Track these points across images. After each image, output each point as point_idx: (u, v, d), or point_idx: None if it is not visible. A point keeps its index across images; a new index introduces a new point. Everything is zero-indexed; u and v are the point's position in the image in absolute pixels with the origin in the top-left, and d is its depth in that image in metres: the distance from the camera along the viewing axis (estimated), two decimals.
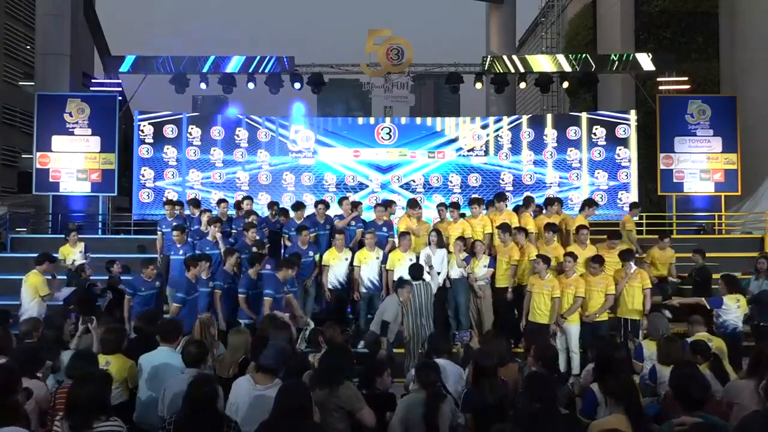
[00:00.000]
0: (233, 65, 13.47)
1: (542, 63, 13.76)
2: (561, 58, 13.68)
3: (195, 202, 9.72)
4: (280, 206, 9.72)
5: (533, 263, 7.41)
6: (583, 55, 13.69)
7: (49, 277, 7.60)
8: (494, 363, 4.15)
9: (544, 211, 8.94)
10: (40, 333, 5.22)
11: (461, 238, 7.96)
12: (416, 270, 6.90)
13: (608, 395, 3.62)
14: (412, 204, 8.82)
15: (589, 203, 8.97)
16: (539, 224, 8.48)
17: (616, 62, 13.41)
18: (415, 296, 6.64)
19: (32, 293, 7.36)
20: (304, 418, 3.14)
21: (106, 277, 8.47)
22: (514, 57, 13.99)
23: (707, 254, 9.30)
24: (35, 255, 7.82)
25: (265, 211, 9.69)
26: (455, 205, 8.76)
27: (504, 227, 8.00)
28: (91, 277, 8.34)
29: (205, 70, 13.49)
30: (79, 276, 8.24)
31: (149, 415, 4.23)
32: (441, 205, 8.99)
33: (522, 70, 13.57)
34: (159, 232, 9.16)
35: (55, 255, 7.91)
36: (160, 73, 13.48)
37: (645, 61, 13.30)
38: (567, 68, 13.46)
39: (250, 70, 13.49)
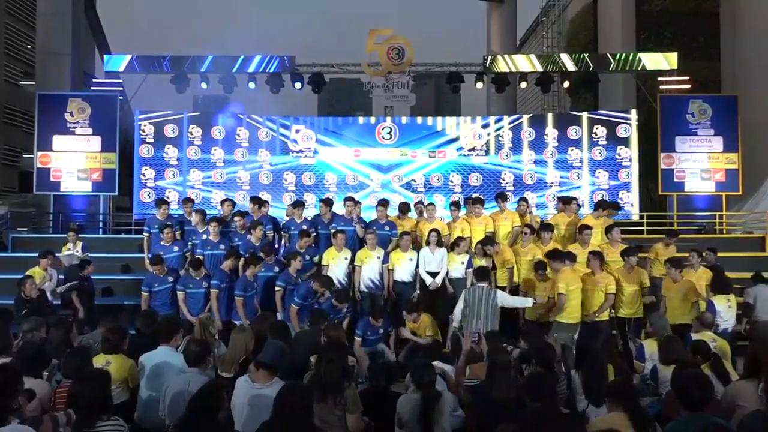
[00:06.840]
0: (234, 65, 13.48)
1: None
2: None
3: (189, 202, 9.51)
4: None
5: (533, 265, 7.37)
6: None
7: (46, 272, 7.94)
8: (509, 359, 4.24)
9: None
10: (42, 332, 5.21)
11: (461, 238, 7.95)
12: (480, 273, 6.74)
13: (607, 396, 3.62)
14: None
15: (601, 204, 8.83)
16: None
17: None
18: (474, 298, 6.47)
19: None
20: (305, 419, 3.13)
21: (107, 277, 8.47)
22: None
23: None
24: (36, 254, 7.96)
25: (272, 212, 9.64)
26: (456, 204, 8.74)
27: (486, 241, 7.90)
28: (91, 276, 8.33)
29: (205, 69, 13.51)
30: (82, 270, 8.22)
31: (150, 414, 4.23)
32: (453, 204, 8.93)
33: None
34: (146, 234, 8.64)
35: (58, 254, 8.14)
36: (161, 72, 13.51)
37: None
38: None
39: (251, 70, 13.52)
